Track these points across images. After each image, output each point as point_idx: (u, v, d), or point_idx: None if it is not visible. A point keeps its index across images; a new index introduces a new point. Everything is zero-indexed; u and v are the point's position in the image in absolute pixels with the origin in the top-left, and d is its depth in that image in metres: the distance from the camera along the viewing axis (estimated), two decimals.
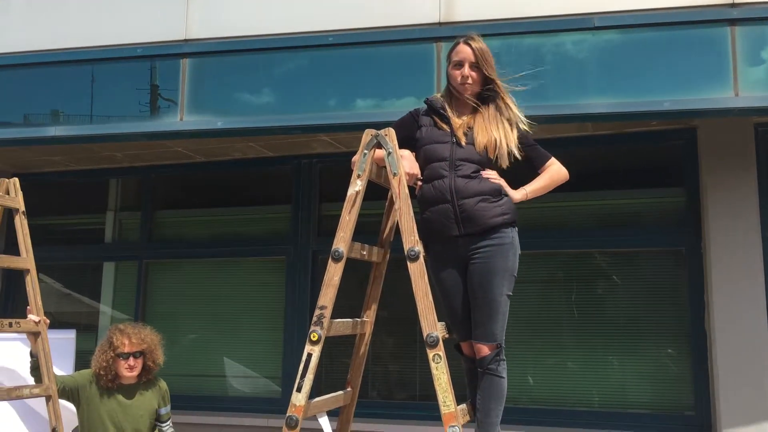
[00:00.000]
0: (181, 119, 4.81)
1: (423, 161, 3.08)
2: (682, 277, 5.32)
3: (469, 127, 3.07)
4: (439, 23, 4.52)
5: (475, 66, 3.07)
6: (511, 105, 3.12)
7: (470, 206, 2.95)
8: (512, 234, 3.01)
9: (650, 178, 5.56)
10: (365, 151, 2.96)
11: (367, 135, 2.98)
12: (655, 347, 5.31)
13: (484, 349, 2.93)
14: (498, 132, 3.02)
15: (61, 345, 5.15)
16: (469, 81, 3.07)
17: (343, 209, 2.93)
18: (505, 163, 3.03)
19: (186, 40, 4.86)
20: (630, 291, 5.48)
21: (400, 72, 4.55)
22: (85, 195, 6.97)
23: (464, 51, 3.08)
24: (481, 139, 3.01)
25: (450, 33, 4.44)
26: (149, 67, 4.91)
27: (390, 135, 2.95)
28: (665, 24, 4.24)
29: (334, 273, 2.88)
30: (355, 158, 2.98)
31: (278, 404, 5.85)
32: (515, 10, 4.44)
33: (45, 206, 6.79)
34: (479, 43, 3.09)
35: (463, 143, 3.03)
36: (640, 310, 5.40)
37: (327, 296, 2.88)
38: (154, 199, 6.69)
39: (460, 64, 3.08)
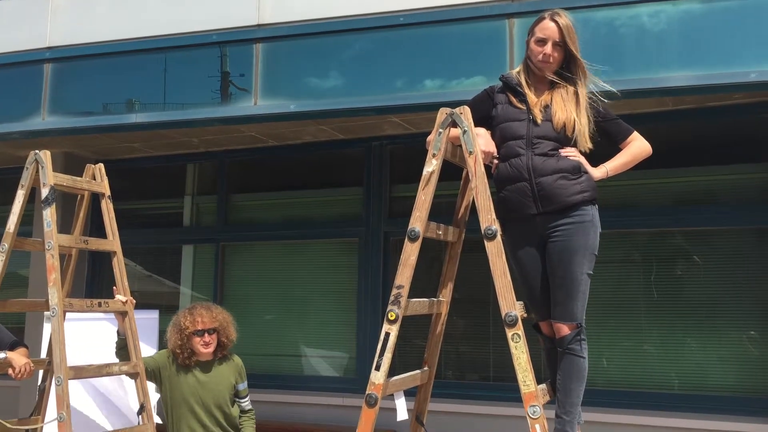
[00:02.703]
0: (255, 104, 4.88)
1: (499, 139, 3.04)
2: (766, 256, 5.11)
3: (546, 105, 3.01)
4: None
5: (559, 45, 2.99)
6: (594, 83, 3.05)
7: (548, 184, 2.90)
8: (592, 212, 2.95)
9: (734, 154, 5.33)
10: (440, 130, 2.95)
11: (442, 114, 2.96)
12: (736, 329, 5.12)
13: (564, 329, 2.89)
14: (576, 113, 2.95)
15: (146, 324, 5.38)
16: (551, 60, 3.00)
17: (419, 189, 2.93)
18: (583, 146, 2.97)
19: (259, 25, 4.92)
20: (711, 270, 5.29)
21: (470, 50, 4.50)
22: (164, 180, 7.16)
23: (550, 28, 2.99)
24: (559, 116, 2.95)
25: (521, 9, 4.36)
26: (224, 53, 5.01)
27: (465, 113, 2.92)
28: None
29: (410, 253, 2.89)
30: (429, 138, 2.96)
31: (353, 384, 5.93)
32: None
33: (126, 192, 6.93)
34: (565, 20, 2.99)
35: (540, 121, 2.97)
36: (721, 291, 5.21)
37: (404, 276, 2.88)
38: (229, 184, 6.81)
39: (543, 41, 3.00)
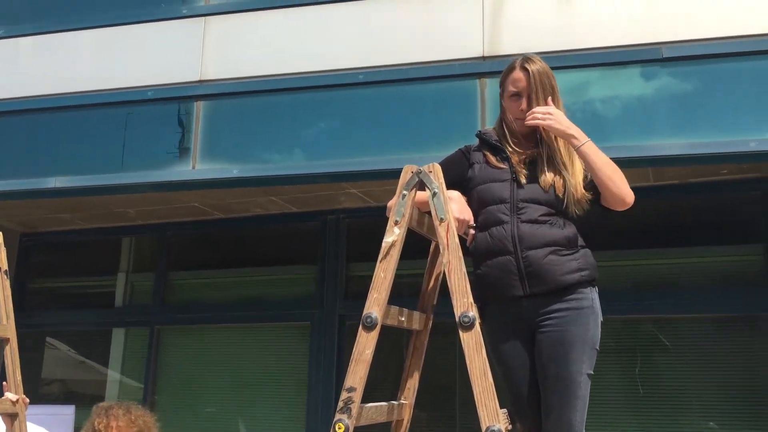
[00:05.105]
0: (194, 168, 4.32)
1: (477, 204, 2.50)
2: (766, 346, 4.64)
3: (532, 161, 2.50)
4: (483, 57, 4.02)
5: (536, 97, 2.50)
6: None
7: (538, 259, 2.35)
8: (592, 295, 2.39)
9: (720, 234, 4.92)
10: (404, 192, 2.39)
11: (407, 172, 2.41)
12: (732, 429, 4.58)
13: None
14: (567, 170, 2.44)
15: (60, 422, 4.81)
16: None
17: (377, 265, 2.35)
18: (576, 208, 2.44)
19: (201, 81, 4.42)
20: (699, 362, 4.80)
21: (439, 112, 4.05)
22: (96, 255, 6.56)
23: (521, 79, 2.51)
24: (548, 175, 2.43)
25: (495, 68, 3.94)
26: (160, 111, 4.47)
27: (435, 171, 2.38)
28: (745, 54, 3.68)
29: (366, 345, 2.28)
30: (391, 202, 2.41)
31: None
32: (568, 41, 3.92)
33: (54, 268, 6.45)
34: (539, 65, 2.53)
35: (525, 181, 2.46)
36: (712, 385, 4.70)
37: (357, 375, 2.27)
38: (168, 260, 6.23)
39: (517, 96, 2.52)
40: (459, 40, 4.07)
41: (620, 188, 2.43)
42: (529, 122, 2.48)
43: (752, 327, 4.77)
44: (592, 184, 2.48)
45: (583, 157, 2.44)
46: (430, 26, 4.15)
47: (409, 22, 4.19)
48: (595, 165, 2.42)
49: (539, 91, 2.49)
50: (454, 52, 4.07)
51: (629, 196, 2.44)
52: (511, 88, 2.54)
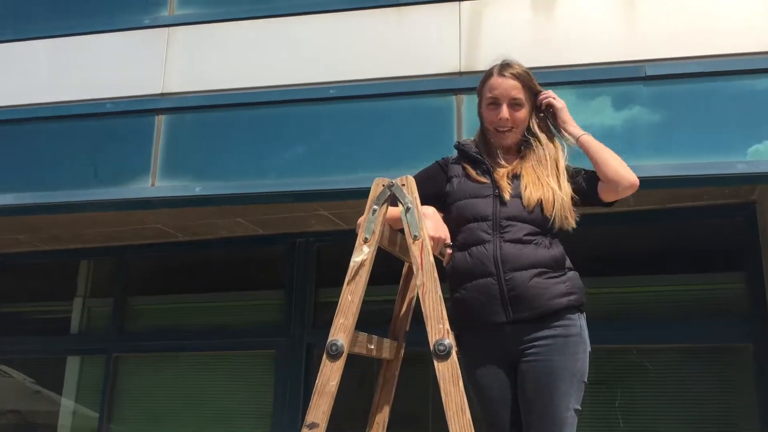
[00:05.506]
0: (153, 185, 4.06)
1: (455, 222, 2.30)
2: (747, 378, 4.46)
3: (516, 175, 2.31)
4: (459, 73, 3.85)
5: (517, 103, 2.34)
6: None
7: (522, 282, 2.15)
8: (580, 322, 2.19)
9: (700, 262, 4.78)
10: (375, 207, 2.18)
11: (378, 185, 2.21)
12: None
13: None
14: (556, 183, 2.25)
15: None
16: (510, 125, 2.34)
17: (344, 286, 2.14)
18: (565, 224, 2.25)
19: (163, 94, 4.18)
20: (681, 395, 4.61)
21: (414, 129, 3.86)
22: (52, 279, 6.23)
23: (502, 85, 2.34)
24: (531, 190, 2.24)
25: (472, 84, 3.69)
26: (119, 124, 4.22)
27: (409, 185, 2.18)
28: (732, 73, 3.56)
29: (330, 376, 2.05)
30: (361, 219, 2.20)
31: None
32: (549, 58, 3.77)
33: (5, 291, 6.08)
34: (519, 69, 2.37)
35: (509, 197, 2.26)
36: (694, 420, 4.51)
37: (320, 409, 2.04)
38: (127, 285, 5.92)
39: (496, 104, 2.34)
40: (435, 54, 3.90)
41: (623, 166, 2.31)
42: (543, 99, 2.39)
43: (735, 358, 4.61)
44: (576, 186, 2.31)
45: (584, 147, 2.32)
46: (406, 40, 3.98)
47: (384, 36, 4.01)
48: (598, 155, 2.30)
49: (529, 91, 2.37)
50: (429, 67, 3.89)
51: (635, 179, 2.31)
52: (489, 95, 2.36)
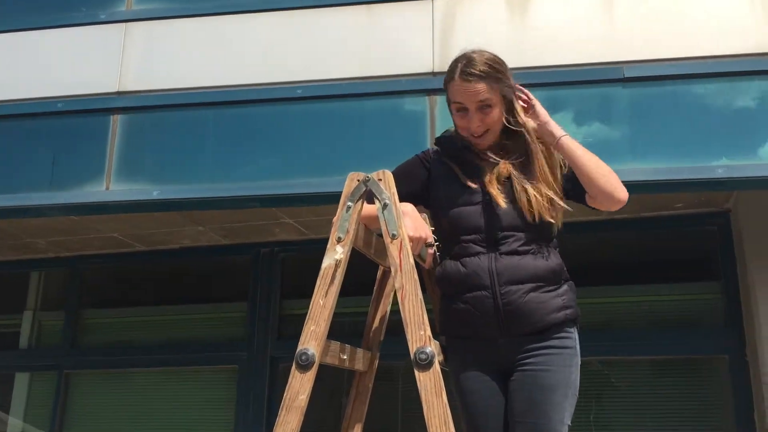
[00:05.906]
0: (108, 188, 3.82)
1: (449, 234, 2.12)
2: (723, 390, 4.37)
3: (507, 176, 2.10)
4: (433, 73, 3.70)
5: (486, 105, 2.07)
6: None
7: (519, 297, 1.99)
8: (575, 336, 2.04)
9: (675, 271, 4.70)
10: (349, 204, 2.01)
11: (353, 180, 2.03)
12: None
13: None
14: (553, 184, 2.08)
15: None
16: (482, 131, 2.09)
17: (315, 290, 1.95)
18: (558, 222, 2.09)
19: (119, 93, 3.95)
20: (656, 408, 4.51)
21: (385, 130, 3.70)
22: (0, 292, 5.89)
23: (465, 91, 2.04)
24: (528, 195, 2.05)
25: None
26: (71, 124, 3.98)
27: (386, 179, 2.01)
28: (712, 75, 3.47)
29: (299, 389, 1.86)
30: (335, 218, 2.01)
31: None
32: (522, 58, 3.64)
33: None
34: (482, 66, 2.04)
35: (503, 204, 2.06)
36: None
37: (288, 426, 1.85)
38: (81, 297, 5.64)
39: (462, 109, 2.09)
40: (408, 54, 3.75)
41: (609, 181, 2.06)
42: (521, 95, 2.14)
43: (711, 370, 4.52)
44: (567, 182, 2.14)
45: (564, 151, 2.07)
46: (376, 39, 3.83)
47: (354, 34, 3.85)
48: (577, 158, 2.05)
49: (497, 94, 2.06)
50: (402, 67, 3.73)
51: (622, 192, 2.08)
52: (454, 99, 2.11)
